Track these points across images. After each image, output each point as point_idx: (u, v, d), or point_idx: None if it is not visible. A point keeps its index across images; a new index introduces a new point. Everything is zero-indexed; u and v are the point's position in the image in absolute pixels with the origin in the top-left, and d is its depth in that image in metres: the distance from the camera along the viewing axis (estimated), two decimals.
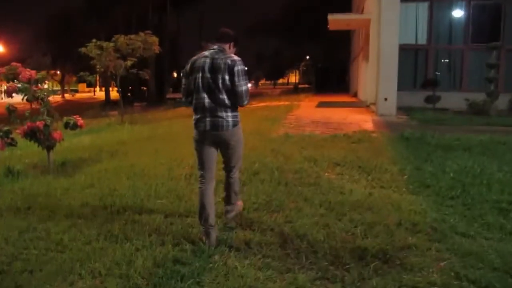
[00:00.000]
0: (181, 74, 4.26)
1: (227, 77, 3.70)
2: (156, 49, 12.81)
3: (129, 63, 12.38)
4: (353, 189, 5.17)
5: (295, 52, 57.52)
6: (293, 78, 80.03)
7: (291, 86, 64.78)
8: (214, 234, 3.80)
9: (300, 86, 65.42)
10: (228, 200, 4.24)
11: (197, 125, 3.81)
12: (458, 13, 14.86)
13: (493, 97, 12.43)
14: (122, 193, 5.20)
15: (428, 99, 14.60)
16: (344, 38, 38.67)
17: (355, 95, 22.81)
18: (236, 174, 4.18)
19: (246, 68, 3.88)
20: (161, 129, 10.93)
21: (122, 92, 46.64)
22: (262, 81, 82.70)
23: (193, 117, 3.87)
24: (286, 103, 18.05)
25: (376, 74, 13.97)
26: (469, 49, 14.85)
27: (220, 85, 3.70)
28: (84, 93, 75.90)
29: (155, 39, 12.64)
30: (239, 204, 4.45)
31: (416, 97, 14.31)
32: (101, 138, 10.50)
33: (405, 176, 5.79)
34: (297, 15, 46.43)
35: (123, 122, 12.75)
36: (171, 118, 14.06)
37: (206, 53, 3.82)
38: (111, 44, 12.18)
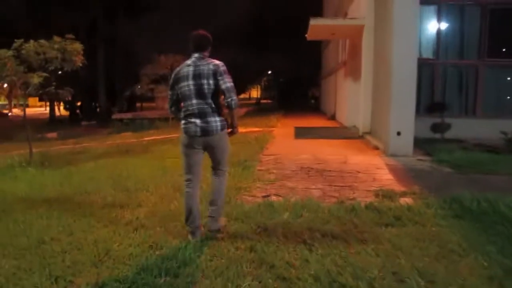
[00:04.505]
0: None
1: (212, 81, 4.00)
2: (79, 60, 9.13)
3: (36, 79, 8.62)
4: None
5: (256, 67, 55.01)
6: (255, 93, 77.70)
7: (253, 101, 62.95)
8: (199, 232, 4.16)
9: (262, 101, 63.39)
10: (215, 202, 4.28)
11: (187, 131, 4.10)
12: (471, 20, 11.87)
13: None
14: None
15: (435, 128, 11.50)
16: (310, 51, 36.09)
17: (332, 117, 19.66)
18: (225, 175, 4.39)
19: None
20: (76, 180, 7.29)
21: (71, 108, 42.91)
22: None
23: (182, 122, 4.16)
24: (256, 129, 14.65)
25: (376, 98, 10.82)
26: (485, 65, 11.87)
27: (206, 90, 4.01)
28: (35, 108, 70.73)
29: (77, 47, 9.00)
30: (223, 220, 4.49)
31: (420, 125, 11.07)
32: None
33: None
34: (259, 27, 44.12)
35: (30, 163, 9.00)
36: (101, 155, 10.31)
37: (189, 61, 4.13)
38: (9, 52, 8.46)
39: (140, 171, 7.78)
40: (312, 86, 49.07)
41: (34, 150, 10.72)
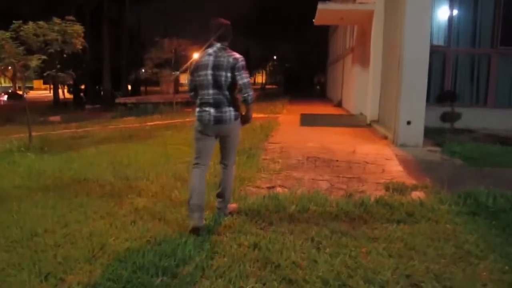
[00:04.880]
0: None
1: (229, 74, 4.03)
2: (79, 42, 8.85)
3: (34, 62, 8.36)
4: None
5: (261, 52, 54.61)
6: (260, 78, 77.20)
7: (258, 87, 62.64)
8: (200, 215, 4.04)
9: (268, 86, 62.91)
10: (222, 195, 4.36)
11: (201, 118, 4.15)
12: (485, 6, 11.47)
13: None
14: None
15: (444, 117, 11.22)
16: (316, 36, 35.68)
17: (339, 104, 19.34)
18: (233, 167, 4.43)
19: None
20: (76, 166, 7.06)
21: (75, 91, 42.71)
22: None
23: (197, 109, 4.21)
24: (261, 116, 14.37)
25: (385, 86, 10.53)
26: (498, 54, 11.51)
27: (223, 82, 4.04)
28: (40, 91, 70.58)
29: (78, 29, 8.71)
30: (233, 206, 4.55)
31: (429, 114, 10.77)
32: None
33: None
34: (264, 11, 43.64)
35: (29, 148, 8.78)
36: (103, 140, 10.07)
37: (210, 50, 4.15)
38: (7, 34, 8.18)
39: (141, 158, 7.55)
40: (318, 72, 48.66)
41: (35, 133, 10.55)
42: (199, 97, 4.19)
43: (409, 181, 5.85)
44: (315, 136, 9.54)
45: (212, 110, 4.08)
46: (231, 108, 4.11)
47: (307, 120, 12.73)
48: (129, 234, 3.98)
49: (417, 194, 5.19)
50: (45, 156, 8.20)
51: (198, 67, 4.15)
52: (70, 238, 3.96)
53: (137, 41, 43.35)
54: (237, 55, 4.09)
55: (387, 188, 5.45)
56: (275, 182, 5.76)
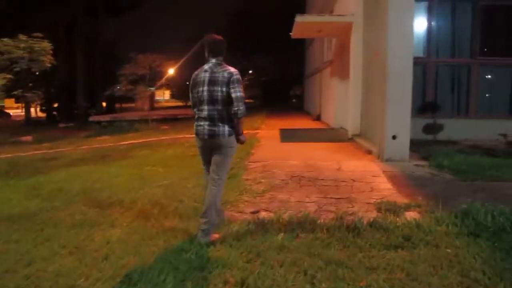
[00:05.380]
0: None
1: (225, 89, 4.08)
2: (47, 60, 8.40)
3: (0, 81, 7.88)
4: None
5: (237, 66, 54.38)
6: None
7: None
8: (222, 214, 4.60)
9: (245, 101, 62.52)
10: (206, 214, 4.16)
11: (197, 132, 4.28)
12: (463, 17, 11.42)
13: None
14: None
15: (427, 129, 11.04)
16: (292, 49, 35.69)
17: (318, 118, 19.11)
18: (222, 185, 4.31)
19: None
20: (44, 192, 6.57)
21: (47, 110, 41.65)
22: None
23: (195, 123, 4.30)
24: None
25: (366, 99, 10.32)
26: (478, 64, 11.42)
27: (220, 97, 4.10)
28: (12, 109, 68.96)
29: (46, 46, 8.33)
30: (215, 236, 4.22)
31: (412, 126, 10.59)
32: None
33: None
34: (240, 26, 43.61)
35: None
36: (74, 162, 9.55)
37: (206, 67, 4.23)
38: None
39: (115, 181, 7.09)
40: (294, 85, 48.64)
41: (3, 156, 9.99)
42: (197, 112, 4.27)
43: (401, 199, 5.54)
44: (297, 153, 9.20)
45: (206, 125, 4.16)
46: (225, 124, 4.14)
47: (288, 136, 12.40)
48: (101, 273, 3.56)
49: (411, 215, 4.88)
50: (11, 181, 7.69)
51: (195, 84, 4.24)
52: (34, 279, 3.53)
53: (113, 56, 42.68)
54: (232, 69, 4.15)
55: (378, 209, 5.12)
56: (259, 206, 5.38)
